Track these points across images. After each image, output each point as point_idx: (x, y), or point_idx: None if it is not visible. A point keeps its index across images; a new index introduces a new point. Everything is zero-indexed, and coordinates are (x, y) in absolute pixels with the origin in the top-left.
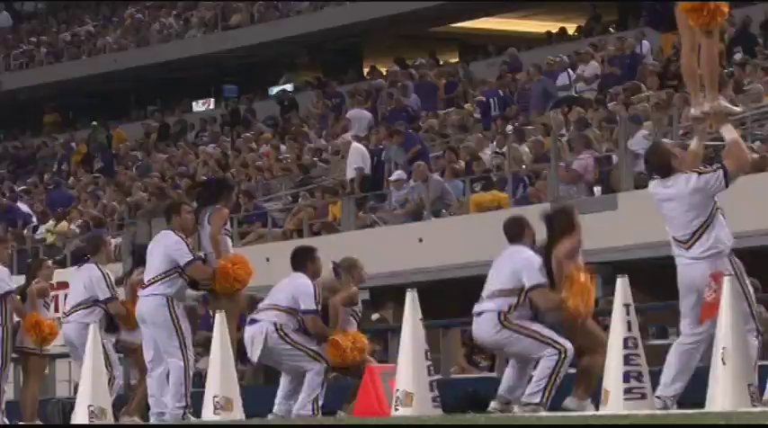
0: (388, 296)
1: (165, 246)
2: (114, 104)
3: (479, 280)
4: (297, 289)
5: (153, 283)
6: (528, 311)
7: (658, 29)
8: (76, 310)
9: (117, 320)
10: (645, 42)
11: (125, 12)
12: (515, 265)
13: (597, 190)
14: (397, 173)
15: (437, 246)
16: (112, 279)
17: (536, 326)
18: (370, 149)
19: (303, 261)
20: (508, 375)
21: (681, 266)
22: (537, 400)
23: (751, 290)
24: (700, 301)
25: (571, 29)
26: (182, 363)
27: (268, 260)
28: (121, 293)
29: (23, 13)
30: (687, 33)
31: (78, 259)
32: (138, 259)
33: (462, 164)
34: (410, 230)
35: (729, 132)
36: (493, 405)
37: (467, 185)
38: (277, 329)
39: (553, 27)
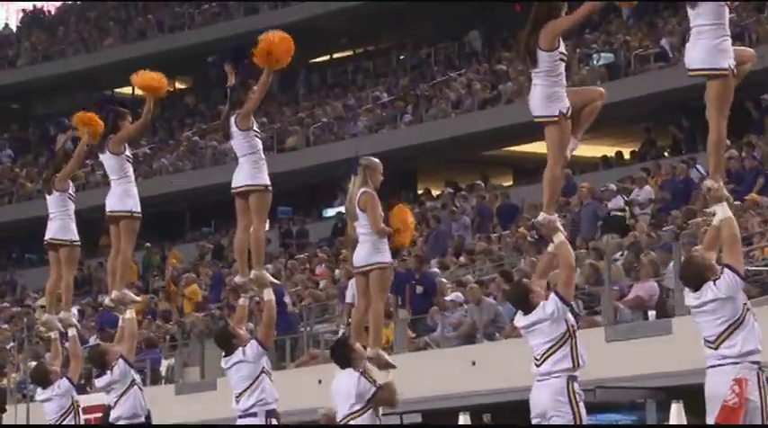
0: (440, 419)
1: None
2: (169, 225)
3: None
4: None
5: None
6: None
7: None
8: None
9: None
10: (699, 167)
11: (181, 134)
12: None
13: (652, 314)
14: (455, 295)
15: (490, 370)
16: None
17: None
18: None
19: None
20: None
21: None
22: None
23: None
24: None
25: (625, 153)
26: None
27: (320, 382)
28: None
29: None
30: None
31: None
32: None
33: None
34: (463, 353)
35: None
36: None
37: None
38: None
39: (608, 151)
